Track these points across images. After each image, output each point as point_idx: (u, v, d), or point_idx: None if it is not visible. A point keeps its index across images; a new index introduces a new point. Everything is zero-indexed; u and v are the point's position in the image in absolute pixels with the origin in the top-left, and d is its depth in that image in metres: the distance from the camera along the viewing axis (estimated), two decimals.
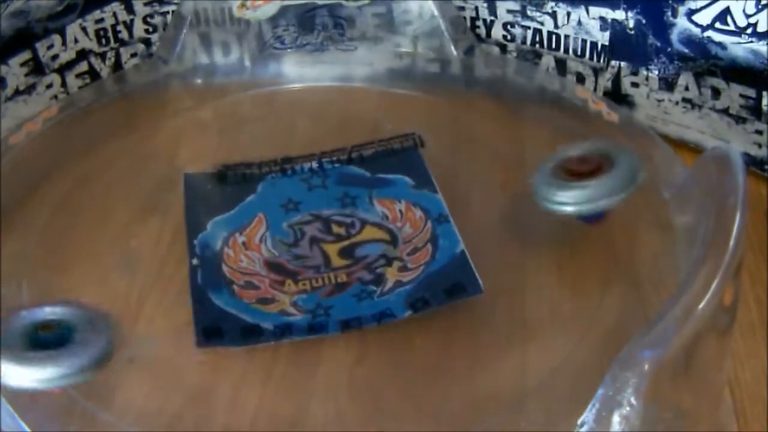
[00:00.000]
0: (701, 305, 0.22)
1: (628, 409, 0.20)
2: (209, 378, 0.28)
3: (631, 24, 0.38)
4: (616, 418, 0.21)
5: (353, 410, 0.27)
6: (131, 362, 0.28)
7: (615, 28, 0.38)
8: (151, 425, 0.26)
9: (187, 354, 0.29)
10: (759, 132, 0.36)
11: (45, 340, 0.25)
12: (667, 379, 0.22)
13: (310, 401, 0.27)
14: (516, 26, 0.41)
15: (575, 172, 0.30)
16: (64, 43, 0.40)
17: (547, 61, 0.41)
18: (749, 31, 0.35)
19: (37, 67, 0.40)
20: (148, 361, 0.28)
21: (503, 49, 0.42)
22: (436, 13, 0.41)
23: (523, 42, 0.41)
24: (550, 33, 0.40)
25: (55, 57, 0.40)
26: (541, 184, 0.30)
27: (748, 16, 0.35)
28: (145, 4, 0.42)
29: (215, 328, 0.29)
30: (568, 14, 0.39)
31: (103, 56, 0.42)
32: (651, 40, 0.38)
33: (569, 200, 0.30)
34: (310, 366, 0.28)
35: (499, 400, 0.27)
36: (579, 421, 0.21)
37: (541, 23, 0.40)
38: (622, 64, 0.39)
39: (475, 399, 0.27)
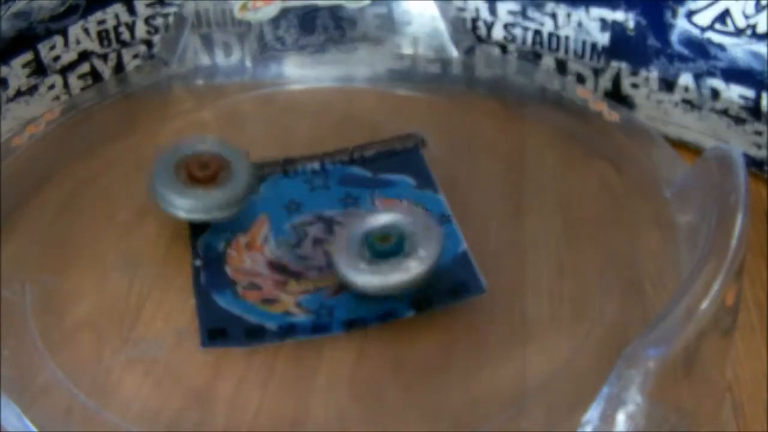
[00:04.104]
0: (704, 304, 0.22)
1: (633, 407, 0.21)
2: (210, 378, 0.28)
3: (631, 25, 0.38)
4: (621, 417, 0.21)
5: (354, 409, 0.27)
6: (131, 362, 0.28)
7: (615, 29, 0.39)
8: (152, 425, 0.26)
9: (188, 354, 0.29)
10: (758, 133, 0.37)
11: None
12: (670, 379, 0.22)
13: (311, 401, 0.27)
14: (516, 27, 0.41)
15: (194, 177, 0.31)
16: (66, 44, 0.40)
17: (548, 61, 0.41)
18: (749, 32, 0.35)
19: (38, 68, 0.40)
20: (149, 361, 0.28)
21: (504, 49, 0.42)
22: (436, 14, 0.41)
23: (524, 43, 0.41)
24: (550, 34, 0.40)
25: (57, 58, 0.40)
26: (159, 182, 0.31)
27: (747, 18, 0.35)
28: (147, 6, 0.42)
29: (220, 329, 0.29)
30: (569, 15, 0.39)
31: (105, 57, 0.42)
32: (651, 41, 0.38)
33: (182, 207, 0.31)
34: (311, 365, 0.28)
35: (500, 399, 0.27)
36: (584, 420, 0.21)
37: (542, 24, 0.40)
38: (622, 65, 0.39)
39: (476, 398, 0.27)
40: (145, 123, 0.40)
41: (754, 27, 0.35)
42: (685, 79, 0.38)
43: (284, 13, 0.41)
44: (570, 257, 0.32)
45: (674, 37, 0.37)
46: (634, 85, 0.39)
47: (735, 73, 0.36)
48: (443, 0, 0.41)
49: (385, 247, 0.29)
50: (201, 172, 0.31)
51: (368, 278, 0.28)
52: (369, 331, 0.29)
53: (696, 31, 0.36)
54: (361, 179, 0.36)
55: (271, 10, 0.41)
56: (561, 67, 0.41)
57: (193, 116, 0.40)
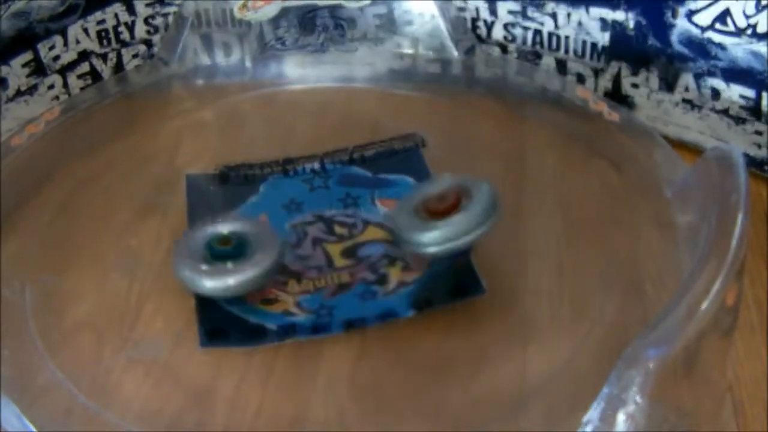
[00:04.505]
0: (705, 305, 0.22)
1: (633, 407, 0.21)
2: (210, 378, 0.28)
3: (632, 25, 0.38)
4: (621, 417, 0.21)
5: (354, 409, 0.27)
6: (131, 362, 0.28)
7: (615, 29, 0.39)
8: (152, 425, 0.26)
9: (188, 354, 0.29)
10: (759, 133, 0.37)
11: (223, 253, 0.30)
12: (670, 379, 0.22)
13: (311, 401, 0.27)
14: (516, 27, 0.41)
15: (434, 211, 0.30)
16: (65, 43, 0.40)
17: (548, 61, 0.41)
18: (749, 32, 0.35)
19: (38, 68, 0.40)
20: (149, 361, 0.28)
21: (504, 49, 0.42)
22: (436, 13, 0.41)
23: (524, 42, 0.41)
24: (550, 34, 0.40)
25: (56, 58, 0.40)
26: (402, 225, 0.30)
27: (747, 17, 0.35)
28: (147, 5, 0.42)
29: (219, 329, 0.29)
30: (569, 15, 0.39)
31: (104, 57, 0.42)
32: (651, 40, 0.38)
33: (431, 241, 0.30)
34: (310, 365, 0.28)
35: (500, 400, 0.27)
36: (584, 420, 0.21)
37: (542, 24, 0.40)
38: (622, 64, 0.39)
39: (476, 399, 0.27)
40: (144, 123, 0.40)
41: (754, 26, 0.35)
42: (686, 78, 0.38)
43: (284, 12, 0.41)
44: (570, 257, 0.32)
45: (674, 37, 0.37)
46: (635, 85, 0.39)
47: (735, 73, 0.36)
48: (443, 0, 0.41)
49: (225, 250, 0.30)
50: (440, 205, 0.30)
51: (206, 281, 0.29)
52: (369, 331, 0.29)
53: (696, 31, 0.36)
54: (361, 179, 0.36)
55: (270, 10, 0.41)
56: (561, 67, 0.41)
57: (193, 116, 0.40)
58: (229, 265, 0.29)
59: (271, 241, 0.30)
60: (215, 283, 0.29)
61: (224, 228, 0.30)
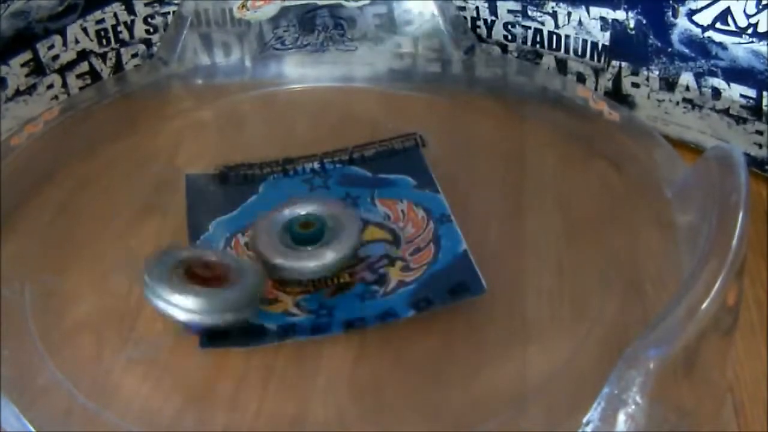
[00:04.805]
0: (705, 304, 0.22)
1: (633, 407, 0.21)
2: (209, 378, 0.28)
3: (632, 24, 0.38)
4: (621, 417, 0.21)
5: (354, 409, 0.27)
6: (131, 363, 0.28)
7: (616, 28, 0.39)
8: (152, 425, 0.26)
9: (188, 354, 0.29)
10: (759, 132, 0.37)
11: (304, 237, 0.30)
12: (671, 379, 0.22)
13: (311, 401, 0.27)
14: (517, 26, 0.41)
15: (195, 275, 0.28)
16: (64, 43, 0.40)
17: (548, 61, 0.41)
18: (750, 31, 0.35)
19: (37, 68, 0.40)
20: (148, 361, 0.28)
21: (504, 49, 0.42)
22: (436, 13, 0.41)
23: (524, 42, 0.41)
24: (550, 33, 0.40)
25: (55, 57, 0.40)
26: (156, 280, 0.28)
27: (748, 17, 0.35)
28: (146, 5, 0.42)
29: (219, 329, 0.29)
30: (569, 14, 0.39)
31: (103, 57, 0.42)
32: (651, 40, 0.38)
33: (184, 306, 0.27)
34: (310, 365, 0.28)
35: (500, 400, 0.27)
36: (584, 420, 0.21)
37: (542, 23, 0.40)
38: (623, 64, 0.39)
39: (476, 399, 0.27)
40: (144, 123, 0.40)
41: (755, 26, 0.35)
42: (686, 78, 0.38)
43: (284, 12, 0.41)
44: (570, 257, 0.32)
45: (675, 36, 0.37)
46: (635, 85, 0.39)
47: (736, 73, 0.36)
48: (443, 0, 0.41)
49: (306, 233, 0.30)
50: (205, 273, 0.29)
51: (285, 262, 0.29)
52: (369, 331, 0.29)
53: (697, 30, 0.36)
54: (360, 179, 0.36)
55: (270, 10, 0.41)
56: (561, 66, 0.41)
57: (192, 116, 0.40)
58: (309, 248, 0.30)
59: (352, 226, 0.30)
60: (294, 265, 0.29)
61: (304, 210, 0.31)
